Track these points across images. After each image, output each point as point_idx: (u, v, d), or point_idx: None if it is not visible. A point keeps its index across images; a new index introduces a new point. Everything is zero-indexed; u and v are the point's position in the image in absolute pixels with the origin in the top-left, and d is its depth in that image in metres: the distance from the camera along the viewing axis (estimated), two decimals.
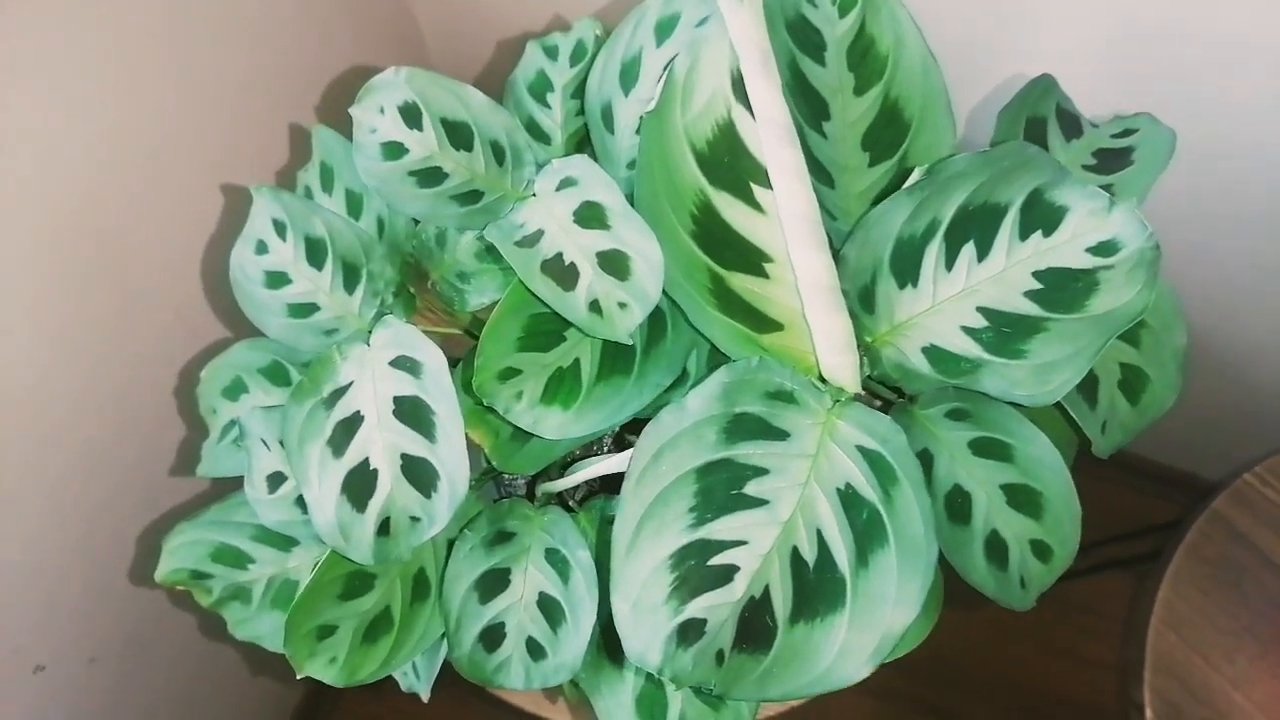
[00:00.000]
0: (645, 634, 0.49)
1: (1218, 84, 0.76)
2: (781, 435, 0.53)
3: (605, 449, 0.71)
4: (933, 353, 0.57)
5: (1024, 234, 0.55)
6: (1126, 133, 0.71)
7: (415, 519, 0.59)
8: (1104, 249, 0.53)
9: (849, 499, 0.52)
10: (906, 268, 0.57)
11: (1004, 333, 0.56)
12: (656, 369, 0.59)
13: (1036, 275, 0.55)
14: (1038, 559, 0.59)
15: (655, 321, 0.60)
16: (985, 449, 0.60)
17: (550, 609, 0.60)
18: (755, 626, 0.50)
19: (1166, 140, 0.69)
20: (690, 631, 0.49)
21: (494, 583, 0.60)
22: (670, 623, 0.49)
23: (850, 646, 0.50)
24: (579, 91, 0.68)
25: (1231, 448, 1.14)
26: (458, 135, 0.61)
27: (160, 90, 0.72)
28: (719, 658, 0.49)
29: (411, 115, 0.60)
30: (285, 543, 0.68)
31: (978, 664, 1.32)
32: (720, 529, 0.51)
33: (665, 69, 0.60)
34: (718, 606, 0.49)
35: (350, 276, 0.65)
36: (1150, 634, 0.89)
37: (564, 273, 0.57)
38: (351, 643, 0.60)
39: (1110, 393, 0.62)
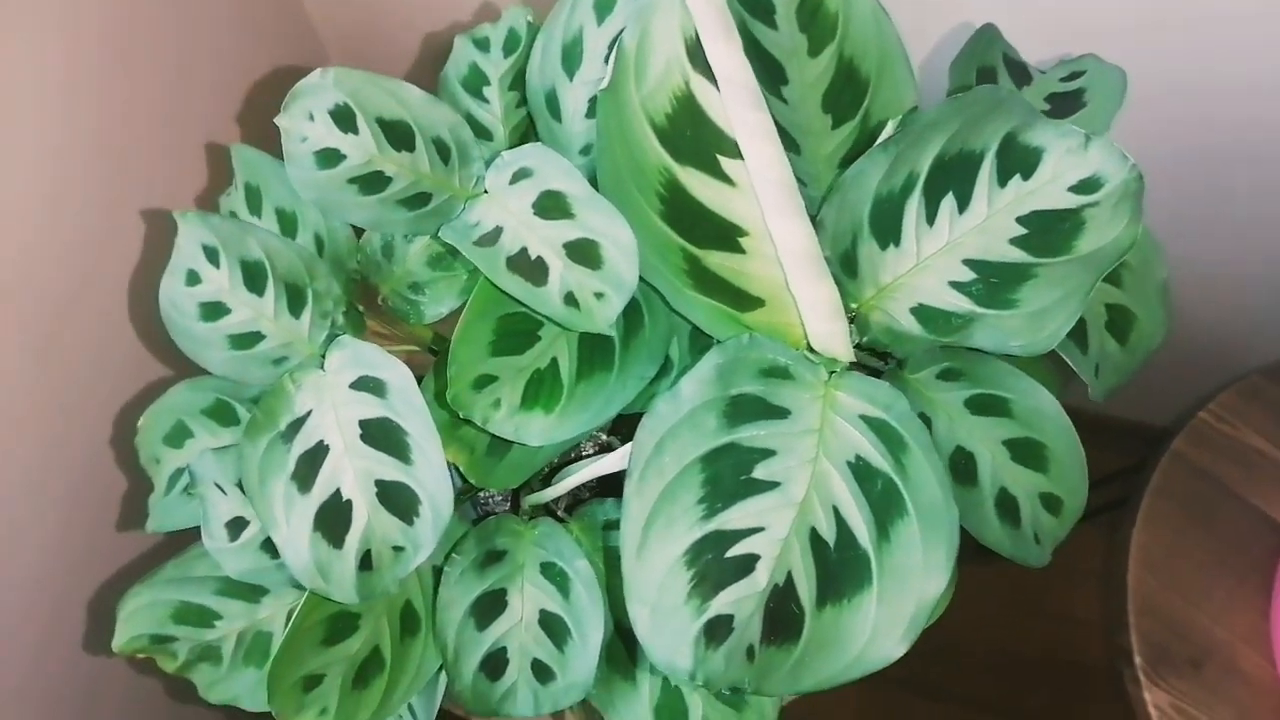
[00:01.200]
0: (670, 638, 0.45)
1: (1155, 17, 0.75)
2: (782, 413, 0.50)
3: (587, 452, 0.68)
4: (922, 312, 0.55)
5: (1002, 180, 0.53)
6: (1074, 75, 0.70)
7: (399, 549, 0.54)
8: (1086, 186, 0.52)
9: (861, 471, 0.49)
10: (887, 226, 0.54)
11: (993, 284, 0.54)
12: (638, 360, 0.56)
13: (1021, 221, 0.53)
14: (1049, 512, 0.58)
15: (631, 312, 0.57)
16: (983, 406, 0.58)
17: (554, 627, 0.56)
18: (782, 616, 0.47)
19: (1116, 79, 0.68)
20: (718, 629, 0.46)
21: (490, 606, 0.56)
22: (695, 623, 0.46)
23: (882, 624, 0.47)
24: (516, 82, 0.65)
25: (1171, 392, 1.16)
26: (397, 135, 0.57)
27: (60, 131, 0.66)
28: (749, 654, 0.46)
29: (344, 118, 0.56)
30: (253, 593, 0.63)
31: (954, 633, 1.31)
32: (734, 518, 0.48)
33: (613, 44, 0.57)
34: (743, 599, 0.46)
35: (295, 299, 0.60)
36: (1129, 579, 0.89)
37: (532, 268, 0.53)
38: (341, 690, 0.56)
39: (1099, 335, 0.61)
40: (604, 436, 0.70)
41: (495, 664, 0.56)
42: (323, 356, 0.59)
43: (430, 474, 0.54)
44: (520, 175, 0.57)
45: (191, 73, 0.79)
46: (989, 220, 0.53)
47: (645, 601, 0.46)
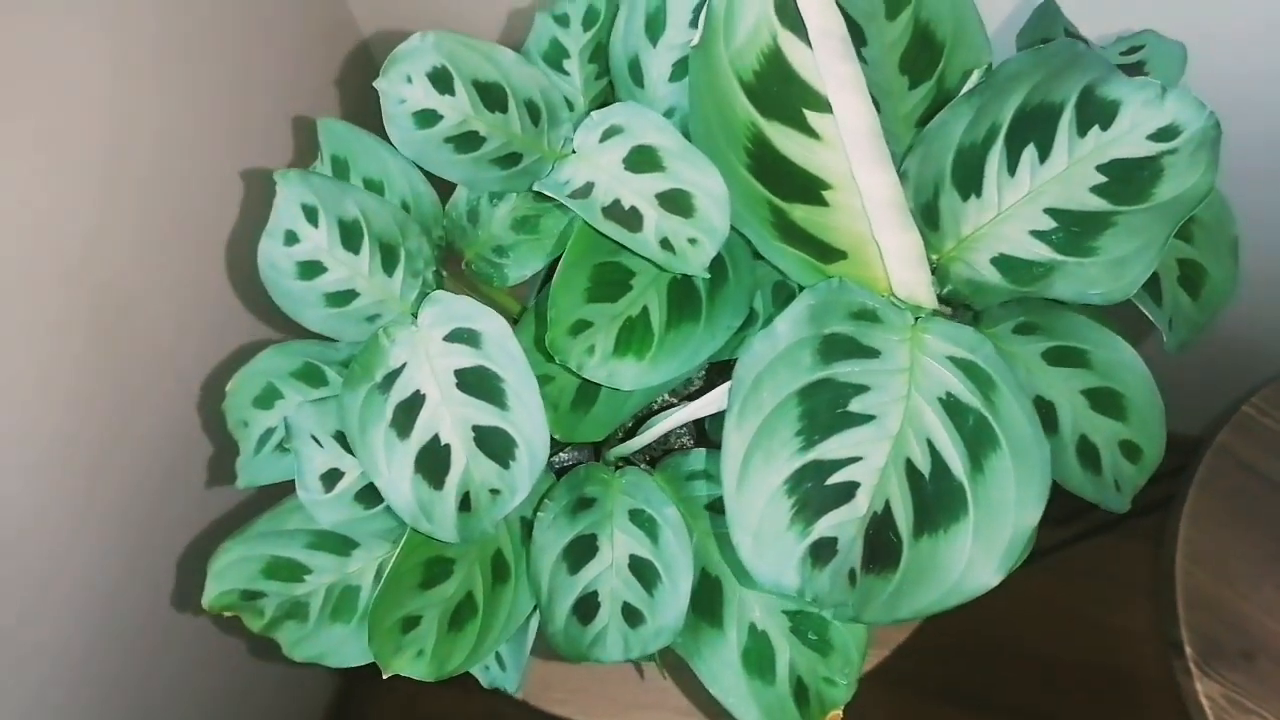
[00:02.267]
0: (775, 560, 0.47)
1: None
2: (873, 353, 0.52)
3: (667, 405, 0.69)
4: (1003, 262, 0.56)
5: (1082, 130, 0.55)
6: (1133, 49, 0.72)
7: (495, 491, 0.56)
8: (1165, 134, 0.53)
9: (952, 407, 0.50)
10: (969, 177, 0.56)
11: (1073, 232, 0.55)
12: (724, 312, 0.58)
13: (1101, 169, 0.54)
14: (1128, 460, 0.59)
15: (715, 266, 0.59)
16: (1060, 358, 0.59)
17: (643, 571, 0.57)
18: (881, 544, 0.48)
19: (1177, 54, 0.70)
20: (823, 551, 0.47)
21: (582, 551, 0.58)
22: (800, 544, 0.47)
23: (978, 555, 0.48)
24: (596, 55, 0.67)
25: (1202, 402, 1.15)
26: (491, 97, 0.59)
27: (153, 106, 0.69)
28: (851, 578, 0.47)
29: (442, 80, 0.59)
30: (344, 545, 0.64)
31: (990, 642, 1.29)
32: (832, 448, 0.49)
33: (699, 7, 0.60)
34: (845, 523, 0.47)
35: (388, 257, 0.62)
36: (1178, 573, 0.90)
37: (626, 216, 0.55)
38: (438, 632, 0.57)
39: (1172, 289, 0.62)
40: (685, 390, 0.71)
41: (587, 608, 0.57)
42: (414, 314, 0.61)
43: (527, 419, 0.55)
44: (610, 133, 0.59)
45: (250, 71, 0.82)
46: (1070, 169, 0.55)
47: (748, 529, 0.48)
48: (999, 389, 0.51)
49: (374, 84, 0.59)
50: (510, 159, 0.60)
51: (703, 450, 0.61)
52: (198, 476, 0.81)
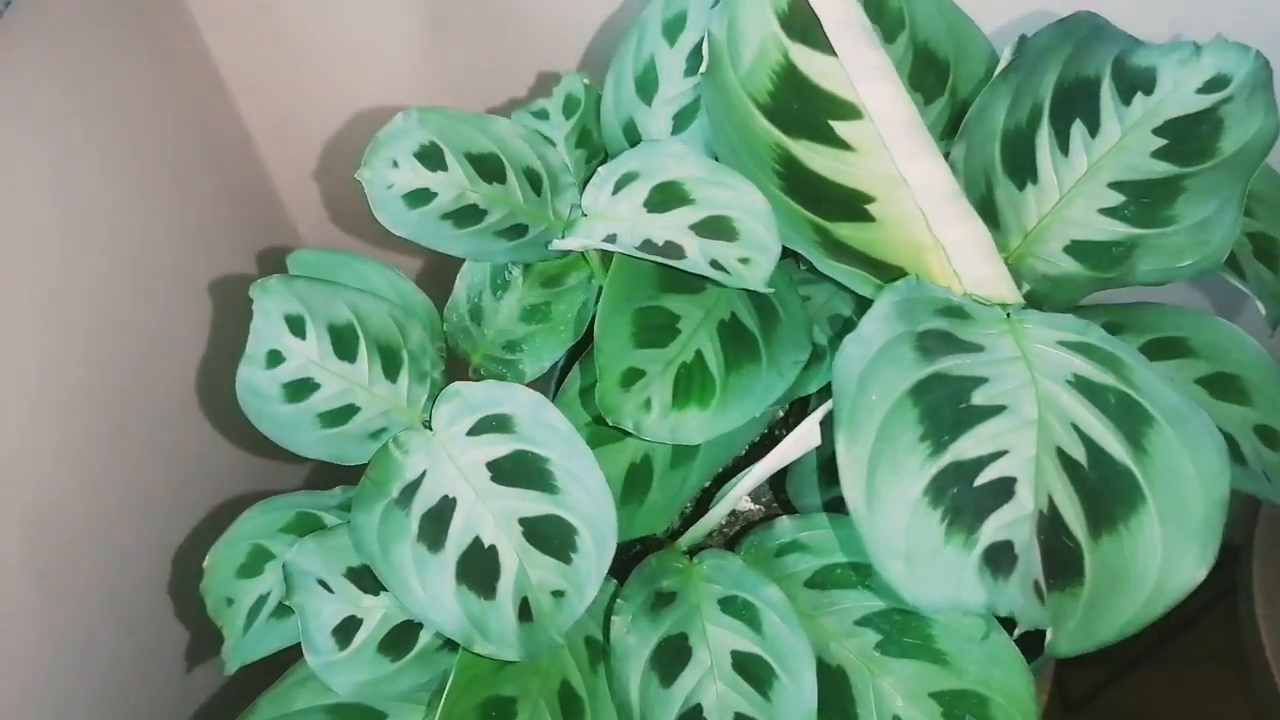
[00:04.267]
0: (944, 581, 0.37)
1: None
2: (975, 348, 0.45)
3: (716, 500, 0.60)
4: (1078, 248, 0.51)
5: (1125, 98, 0.51)
6: None
7: (559, 593, 0.45)
8: (1214, 84, 0.50)
9: (1086, 387, 0.43)
10: (1020, 163, 0.52)
11: (1144, 203, 0.51)
12: (784, 349, 0.51)
13: (1157, 133, 0.51)
14: (1268, 446, 0.51)
15: (762, 307, 0.52)
16: (1161, 350, 0.53)
17: (752, 669, 0.46)
18: (1058, 553, 0.39)
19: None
20: (1000, 558, 0.37)
21: (672, 656, 0.47)
22: (969, 555, 0.38)
23: (1173, 545, 0.39)
24: (582, 140, 0.63)
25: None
26: (487, 168, 0.54)
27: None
28: (1038, 594, 0.37)
29: (432, 156, 0.53)
30: (370, 718, 0.51)
31: None
32: (968, 446, 0.41)
33: (696, 51, 0.57)
34: (1015, 524, 0.38)
35: (390, 362, 0.54)
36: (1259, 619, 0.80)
37: (664, 250, 0.49)
38: None
39: (1250, 262, 0.57)
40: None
41: None
42: (427, 421, 0.53)
43: (585, 497, 0.46)
44: (624, 181, 0.53)
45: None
46: (1125, 138, 0.51)
47: (896, 553, 0.38)
48: (1127, 364, 0.44)
49: (355, 175, 0.53)
50: (515, 230, 0.54)
51: (785, 518, 0.51)
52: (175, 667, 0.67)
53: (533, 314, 0.59)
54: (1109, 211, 0.51)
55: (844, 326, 0.53)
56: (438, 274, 0.63)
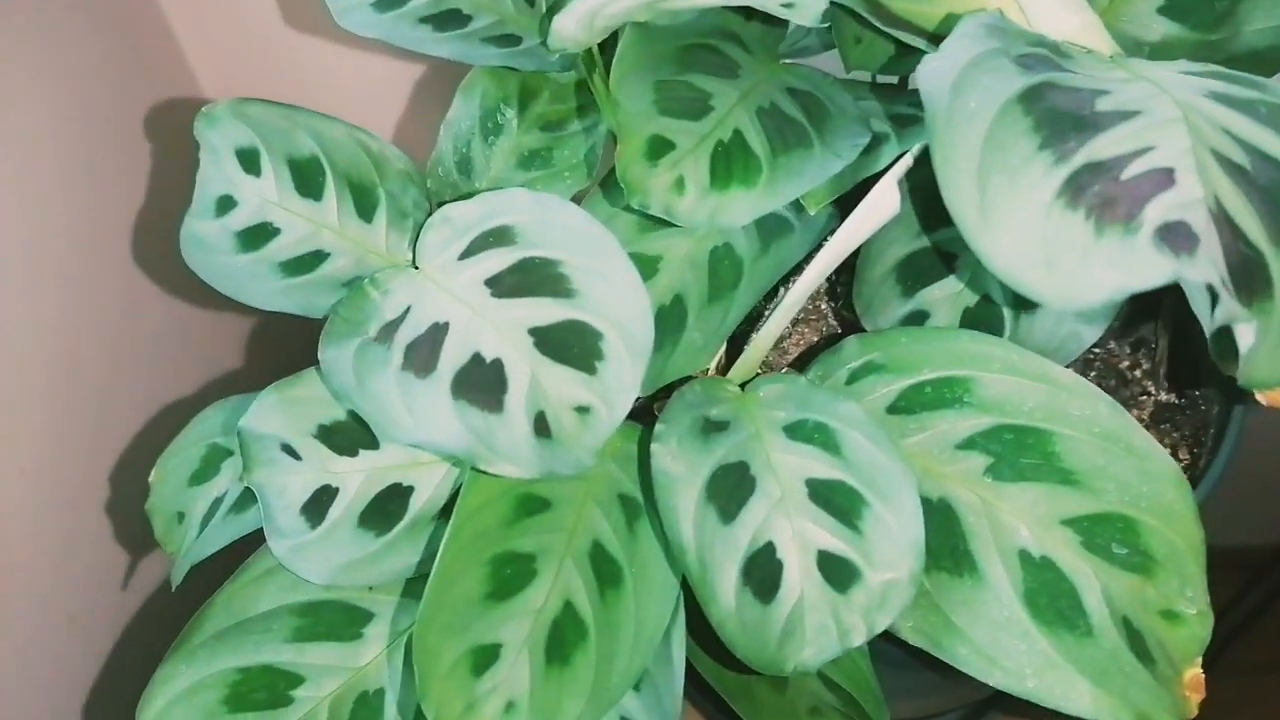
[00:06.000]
0: (1107, 269, 0.28)
1: None
2: (1089, 77, 0.36)
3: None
4: (1174, 7, 0.43)
5: None
6: None
7: (583, 409, 0.36)
8: None
9: (1230, 100, 0.34)
10: None
11: None
12: (838, 136, 0.42)
13: None
14: None
15: (807, 103, 0.44)
16: None
17: (833, 497, 0.36)
18: (1238, 257, 0.29)
19: None
20: (1175, 236, 0.28)
21: (732, 488, 0.36)
22: (1138, 237, 0.28)
23: None
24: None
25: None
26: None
27: None
28: (1231, 289, 0.28)
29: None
30: (349, 621, 0.41)
31: None
32: (1104, 147, 0.31)
33: None
34: (1184, 205, 0.29)
35: (363, 200, 0.45)
36: None
37: None
38: (532, 670, 0.34)
39: None
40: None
41: (763, 572, 0.35)
42: (413, 260, 0.44)
43: (609, 294, 0.37)
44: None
45: None
46: None
47: (1033, 262, 0.29)
48: (1269, 85, 0.36)
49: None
50: (506, 39, 0.46)
51: (852, 338, 0.42)
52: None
53: (531, 160, 0.50)
54: None
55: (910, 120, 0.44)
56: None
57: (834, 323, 0.52)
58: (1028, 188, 0.31)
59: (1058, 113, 0.33)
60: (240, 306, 0.44)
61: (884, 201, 0.37)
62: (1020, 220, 0.30)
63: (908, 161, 0.38)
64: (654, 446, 0.37)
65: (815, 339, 0.51)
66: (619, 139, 0.37)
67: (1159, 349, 0.54)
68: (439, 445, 0.35)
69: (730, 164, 0.39)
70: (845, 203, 0.42)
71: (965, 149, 0.31)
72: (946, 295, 0.42)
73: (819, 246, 0.44)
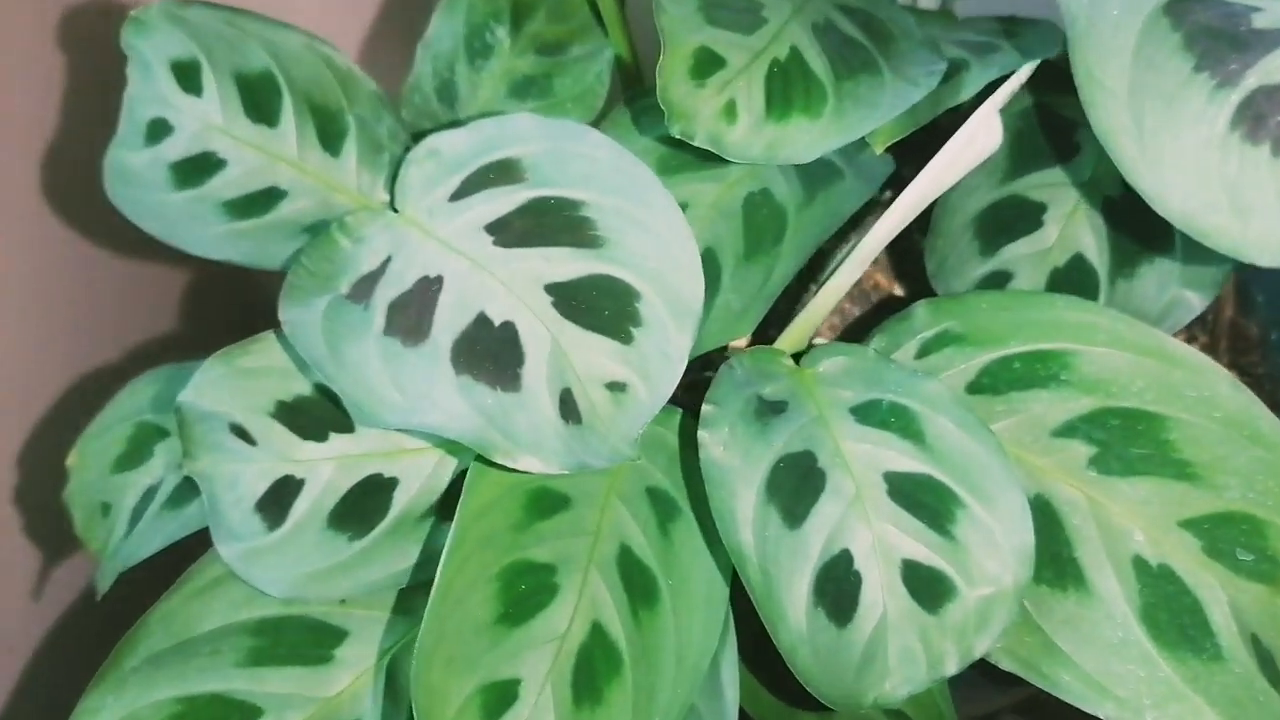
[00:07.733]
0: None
1: None
2: None
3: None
4: None
5: None
6: None
7: (617, 386, 0.29)
8: None
9: None
10: None
11: None
12: (908, 62, 0.35)
13: None
14: None
15: (868, 23, 0.37)
16: None
17: (919, 495, 0.30)
18: None
19: None
20: None
21: (797, 484, 0.30)
22: None
23: None
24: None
25: None
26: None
27: None
28: None
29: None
30: (318, 640, 0.34)
31: None
32: (1276, 69, 0.25)
33: None
34: None
35: (329, 127, 0.38)
36: None
37: None
38: (558, 712, 0.27)
39: None
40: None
41: (838, 587, 0.29)
42: (390, 198, 0.36)
43: (646, 244, 0.30)
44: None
45: None
46: None
47: (1216, 208, 0.23)
48: None
49: None
50: None
51: (922, 303, 0.35)
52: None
53: (527, 88, 0.43)
54: None
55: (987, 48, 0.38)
56: None
57: (872, 289, 0.46)
58: (1193, 117, 0.25)
59: (1210, 29, 0.27)
60: (177, 254, 0.36)
61: (983, 135, 0.31)
62: (1190, 155, 0.24)
63: (1013, 86, 0.31)
64: (701, 434, 0.30)
65: (854, 309, 0.45)
66: (664, 48, 0.30)
67: (1216, 322, 0.49)
68: (439, 429, 0.28)
69: (789, 88, 0.32)
70: (902, 147, 0.36)
71: (1114, 66, 0.25)
72: (1034, 252, 0.36)
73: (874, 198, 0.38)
